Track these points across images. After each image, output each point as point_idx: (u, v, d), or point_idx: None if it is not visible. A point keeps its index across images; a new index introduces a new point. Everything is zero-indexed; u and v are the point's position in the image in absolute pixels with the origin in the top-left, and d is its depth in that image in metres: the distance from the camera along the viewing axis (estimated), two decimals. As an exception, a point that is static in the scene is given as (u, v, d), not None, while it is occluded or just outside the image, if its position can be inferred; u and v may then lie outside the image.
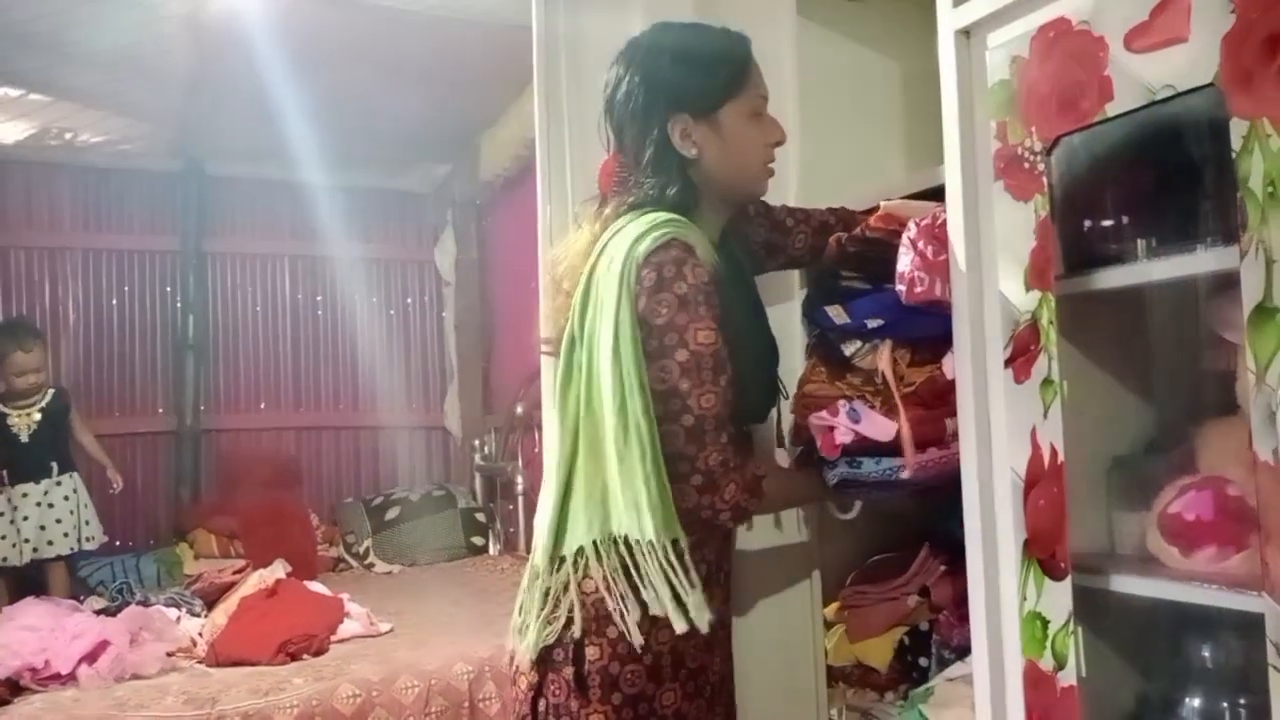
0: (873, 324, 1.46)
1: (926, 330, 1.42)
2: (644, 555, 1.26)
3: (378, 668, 2.79)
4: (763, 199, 1.57)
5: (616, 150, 1.45)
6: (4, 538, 3.65)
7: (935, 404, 1.40)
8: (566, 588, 1.33)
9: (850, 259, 1.56)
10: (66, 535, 3.75)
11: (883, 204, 1.52)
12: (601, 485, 1.32)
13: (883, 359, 1.44)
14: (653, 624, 1.29)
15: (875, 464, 1.43)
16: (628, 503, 1.27)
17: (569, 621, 1.32)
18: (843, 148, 1.87)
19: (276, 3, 3.15)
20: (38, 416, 3.83)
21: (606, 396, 1.30)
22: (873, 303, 1.48)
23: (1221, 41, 1.00)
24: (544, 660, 1.35)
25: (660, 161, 1.38)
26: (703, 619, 1.25)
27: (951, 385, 1.36)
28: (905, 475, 1.41)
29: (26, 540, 3.68)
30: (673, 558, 1.26)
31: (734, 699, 1.51)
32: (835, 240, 1.58)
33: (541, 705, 1.35)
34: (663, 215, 1.35)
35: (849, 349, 1.50)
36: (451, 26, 3.36)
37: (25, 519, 3.69)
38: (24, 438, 3.79)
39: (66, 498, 3.78)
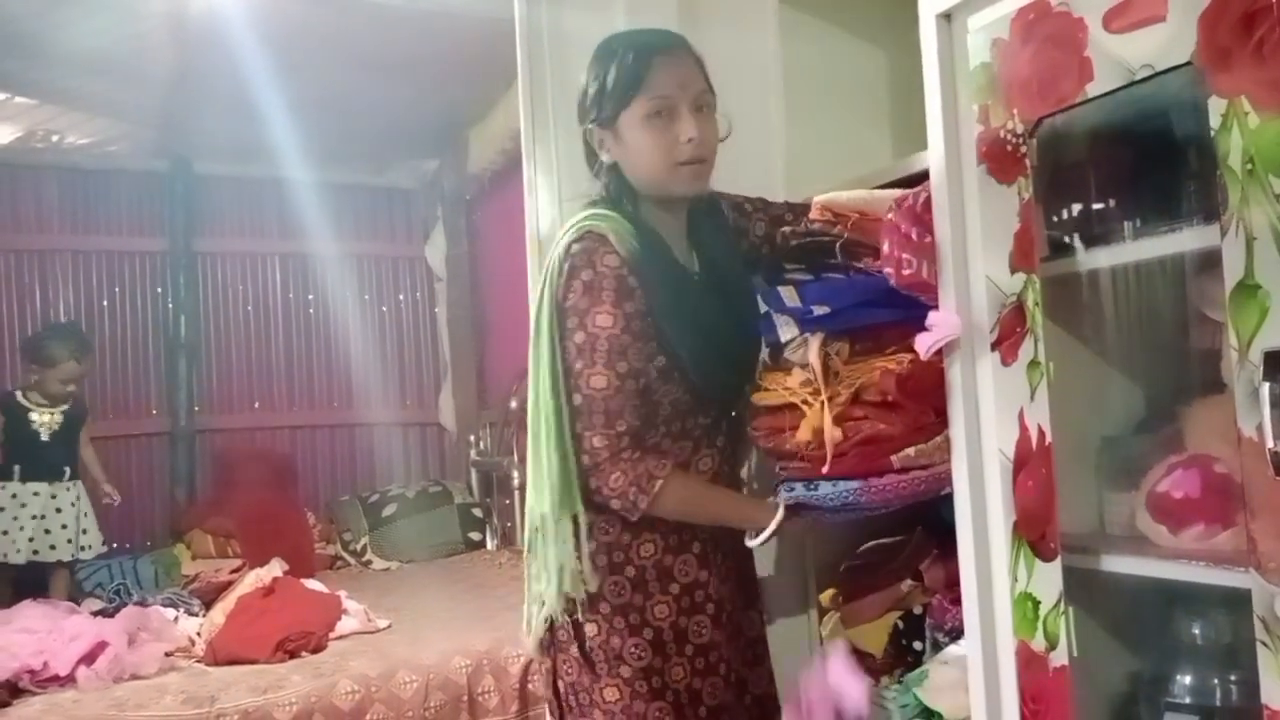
0: (818, 310, 1.43)
1: (874, 319, 1.42)
2: (540, 529, 1.41)
3: (376, 663, 2.79)
4: (762, 196, 1.64)
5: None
6: (5, 533, 3.66)
7: (892, 407, 1.39)
8: (532, 568, 1.47)
9: (793, 252, 1.58)
10: (70, 541, 3.76)
11: (816, 198, 1.55)
12: (533, 466, 1.45)
13: (813, 352, 1.42)
14: (633, 538, 1.41)
15: (832, 487, 1.42)
16: (535, 479, 1.41)
17: (571, 603, 1.42)
18: (828, 135, 1.87)
19: (259, 0, 3.13)
20: (60, 419, 3.85)
21: (530, 382, 1.42)
22: (823, 289, 1.47)
23: (1199, 20, 1.00)
24: (552, 643, 1.45)
25: (591, 164, 1.49)
26: (579, 588, 1.38)
27: (910, 379, 1.36)
28: (864, 499, 1.40)
29: (30, 539, 3.69)
30: (567, 533, 1.38)
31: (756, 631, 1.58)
32: (781, 234, 1.60)
33: (560, 686, 1.44)
34: (590, 211, 1.43)
35: (785, 335, 1.46)
36: (436, 20, 3.35)
37: (32, 518, 3.70)
38: (44, 436, 3.82)
39: (73, 504, 3.80)
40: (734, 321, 1.49)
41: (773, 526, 1.42)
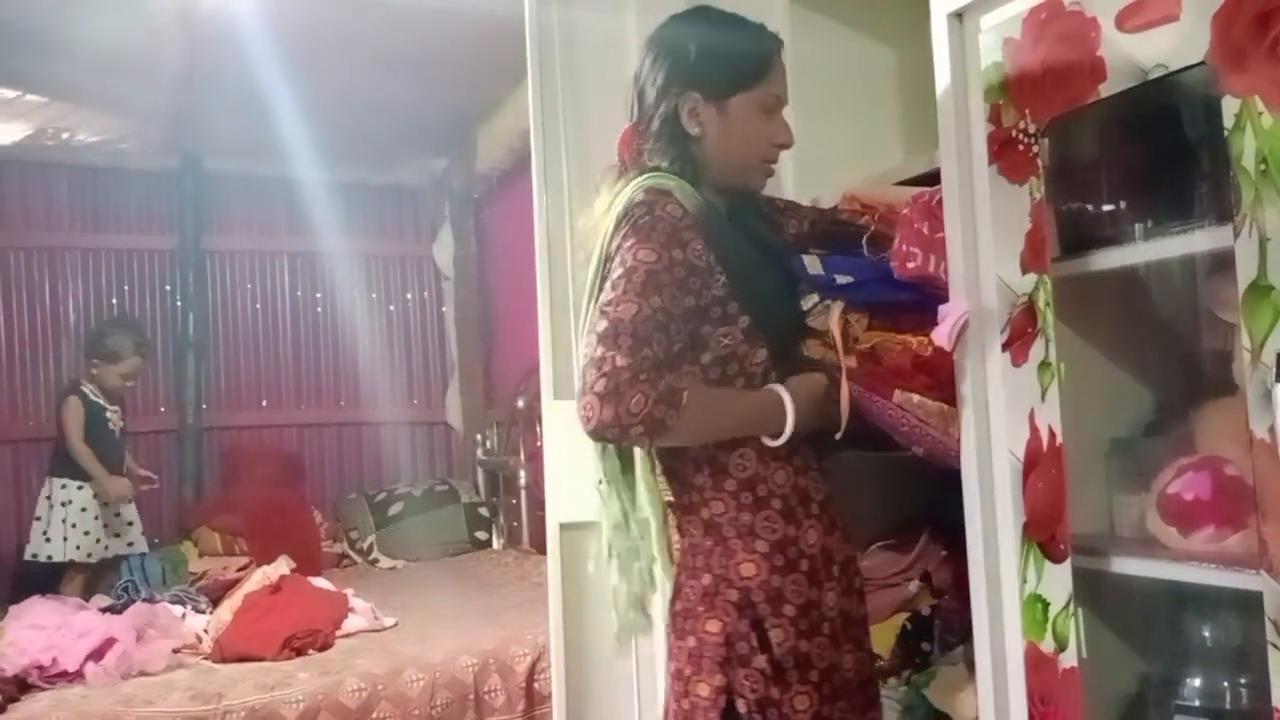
0: (842, 280, 1.43)
1: (895, 298, 1.41)
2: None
3: (382, 661, 2.80)
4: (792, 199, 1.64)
5: (636, 119, 1.48)
6: (87, 533, 3.69)
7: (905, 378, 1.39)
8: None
9: (819, 237, 1.58)
10: (143, 533, 3.84)
11: (846, 189, 1.56)
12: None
13: (833, 318, 1.42)
14: (798, 530, 1.37)
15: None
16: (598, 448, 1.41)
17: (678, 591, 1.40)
18: (839, 133, 1.87)
19: (269, -2, 3.14)
20: (120, 413, 3.91)
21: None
22: (847, 261, 1.47)
23: (1212, 20, 1.00)
24: (725, 660, 1.35)
25: (665, 132, 1.42)
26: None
27: (928, 362, 1.36)
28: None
29: (117, 535, 3.76)
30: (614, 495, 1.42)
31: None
32: (810, 224, 1.60)
33: (742, 708, 1.33)
34: (650, 174, 1.39)
35: (806, 304, 1.45)
36: (446, 19, 3.35)
37: (117, 515, 3.76)
38: (117, 434, 3.87)
39: (129, 500, 3.84)
40: (784, 286, 1.47)
41: (790, 417, 1.36)
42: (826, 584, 1.37)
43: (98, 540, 3.72)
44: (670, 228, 1.32)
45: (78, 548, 3.67)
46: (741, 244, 1.42)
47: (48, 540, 3.66)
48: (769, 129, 1.43)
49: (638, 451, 1.42)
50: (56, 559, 3.65)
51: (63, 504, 3.68)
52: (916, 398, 1.36)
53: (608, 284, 1.31)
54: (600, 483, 1.45)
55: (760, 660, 1.32)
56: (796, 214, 1.62)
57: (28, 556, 3.71)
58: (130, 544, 3.82)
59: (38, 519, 3.70)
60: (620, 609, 1.46)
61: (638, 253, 1.30)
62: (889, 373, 1.39)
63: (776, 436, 1.36)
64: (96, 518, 3.72)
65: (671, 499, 1.42)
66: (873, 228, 1.51)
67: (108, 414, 3.83)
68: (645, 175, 1.39)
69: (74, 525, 3.67)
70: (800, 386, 1.39)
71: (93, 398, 3.81)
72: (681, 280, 1.31)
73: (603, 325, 1.28)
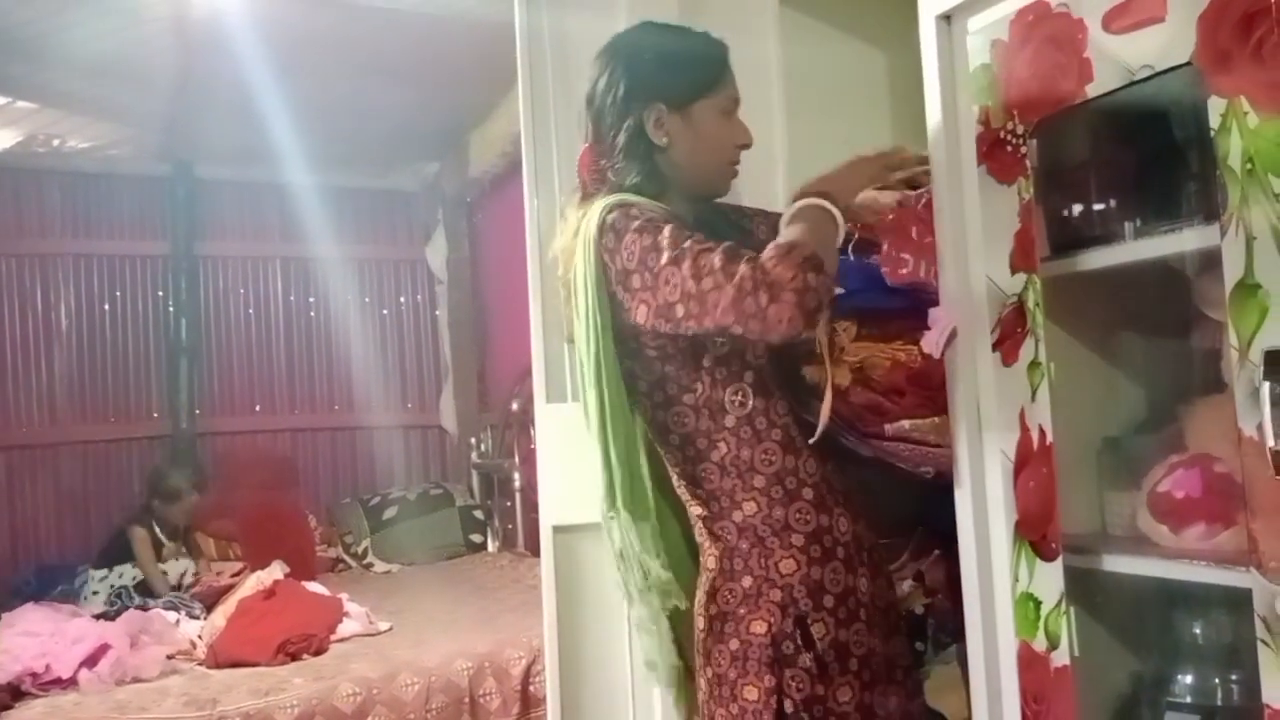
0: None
1: (885, 305, 1.42)
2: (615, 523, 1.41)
3: (377, 666, 2.80)
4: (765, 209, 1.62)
5: (593, 139, 1.48)
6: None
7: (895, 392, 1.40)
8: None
9: None
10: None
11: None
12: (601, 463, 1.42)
13: (820, 328, 1.40)
14: (830, 519, 1.38)
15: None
16: (617, 479, 1.39)
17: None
18: (829, 135, 1.87)
19: (260, 4, 3.14)
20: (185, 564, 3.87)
21: (589, 376, 1.38)
22: (842, 265, 1.45)
23: (1198, 21, 1.01)
24: (774, 661, 1.34)
25: (631, 148, 1.42)
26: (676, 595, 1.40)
27: (919, 373, 1.37)
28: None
29: None
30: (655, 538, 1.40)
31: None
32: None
33: (788, 708, 1.33)
34: (613, 198, 1.39)
35: None
36: (437, 24, 3.35)
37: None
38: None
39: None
40: None
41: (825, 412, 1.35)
42: (860, 570, 1.38)
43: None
44: (649, 215, 1.33)
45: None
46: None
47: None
48: (730, 131, 1.45)
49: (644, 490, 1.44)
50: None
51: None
52: (908, 423, 1.37)
53: (664, 271, 1.26)
54: (620, 556, 1.48)
55: (806, 659, 1.32)
56: (766, 220, 1.60)
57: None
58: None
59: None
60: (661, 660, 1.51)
61: (640, 240, 1.30)
62: (875, 411, 1.39)
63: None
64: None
65: (701, 511, 1.42)
66: (856, 236, 1.50)
67: (166, 550, 3.80)
68: (610, 197, 1.39)
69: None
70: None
71: (156, 532, 3.79)
72: (692, 234, 1.29)
73: (707, 283, 1.22)
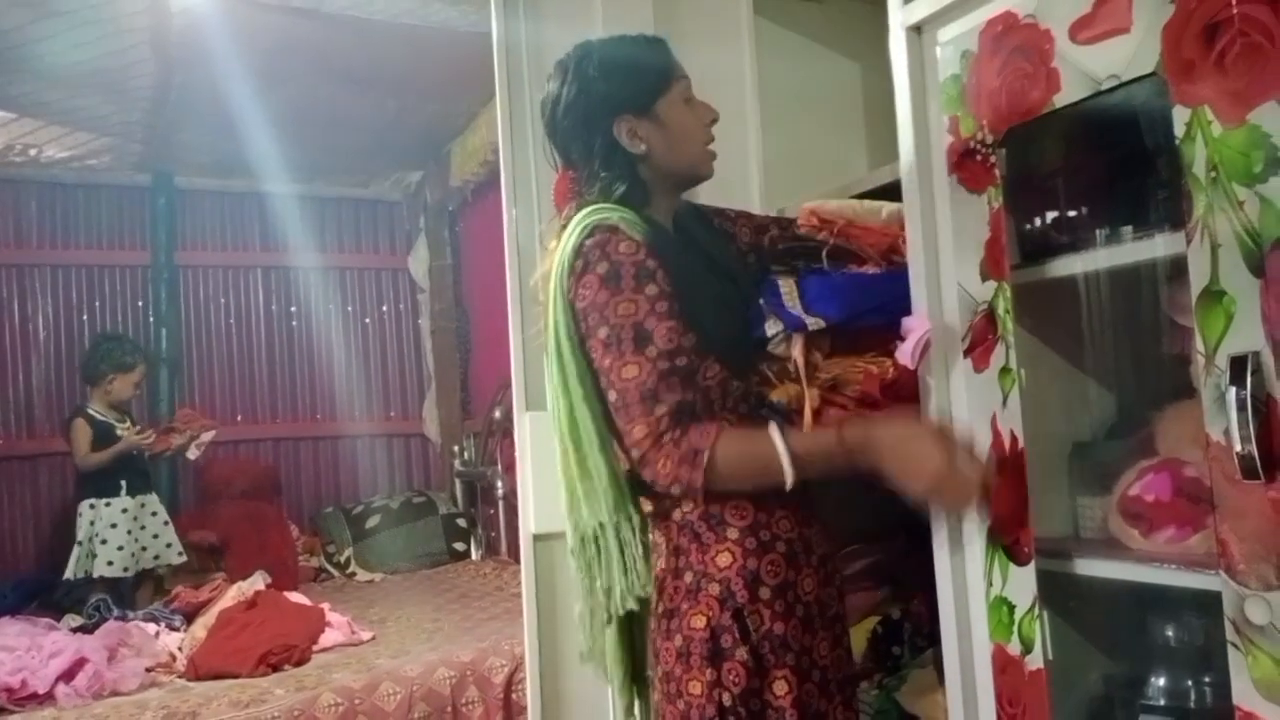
0: (813, 323, 1.42)
1: (870, 323, 1.42)
2: (601, 538, 1.39)
3: (359, 676, 2.79)
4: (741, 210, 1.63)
5: (565, 166, 1.49)
6: (121, 548, 3.73)
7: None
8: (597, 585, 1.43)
9: (780, 255, 1.58)
10: (170, 545, 3.88)
11: (805, 205, 1.56)
12: (571, 482, 1.41)
13: (796, 348, 1.42)
14: (769, 515, 1.37)
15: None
16: (584, 490, 1.38)
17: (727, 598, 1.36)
18: (804, 145, 1.89)
19: (240, 15, 3.14)
20: (136, 427, 3.97)
21: (557, 392, 1.38)
22: (822, 286, 1.46)
23: (1162, 31, 1.02)
24: (711, 656, 1.34)
25: (608, 163, 1.43)
26: (627, 600, 1.37)
27: (894, 383, 1.38)
28: None
29: (145, 548, 3.80)
30: (624, 534, 1.38)
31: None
32: (769, 238, 1.60)
33: (725, 700, 1.33)
34: (591, 208, 1.39)
35: (770, 328, 1.44)
36: (417, 35, 3.36)
37: (143, 528, 3.81)
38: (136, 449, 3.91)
39: (154, 513, 3.90)
40: (742, 303, 1.47)
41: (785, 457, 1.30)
42: (805, 569, 1.38)
43: (131, 554, 3.76)
44: (633, 268, 1.32)
45: (110, 563, 3.70)
46: (690, 263, 1.42)
47: (91, 558, 3.71)
48: (696, 114, 1.46)
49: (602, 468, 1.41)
50: (95, 575, 3.69)
51: (91, 523, 3.73)
52: None
53: (599, 345, 1.32)
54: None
55: (742, 652, 1.32)
56: (749, 222, 1.62)
57: (68, 576, 3.74)
58: (156, 556, 3.86)
59: (79, 544, 3.73)
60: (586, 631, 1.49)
61: (617, 308, 1.30)
62: (855, 406, 1.40)
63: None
64: (129, 532, 3.77)
65: (650, 508, 1.42)
66: (831, 242, 1.51)
67: (119, 430, 3.88)
68: (586, 213, 1.38)
69: (104, 541, 3.72)
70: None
71: (100, 417, 3.87)
72: (665, 312, 1.31)
73: (612, 396, 1.31)
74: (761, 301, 1.46)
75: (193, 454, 4.13)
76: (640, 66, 1.44)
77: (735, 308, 1.45)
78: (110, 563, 3.70)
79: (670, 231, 1.45)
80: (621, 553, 1.39)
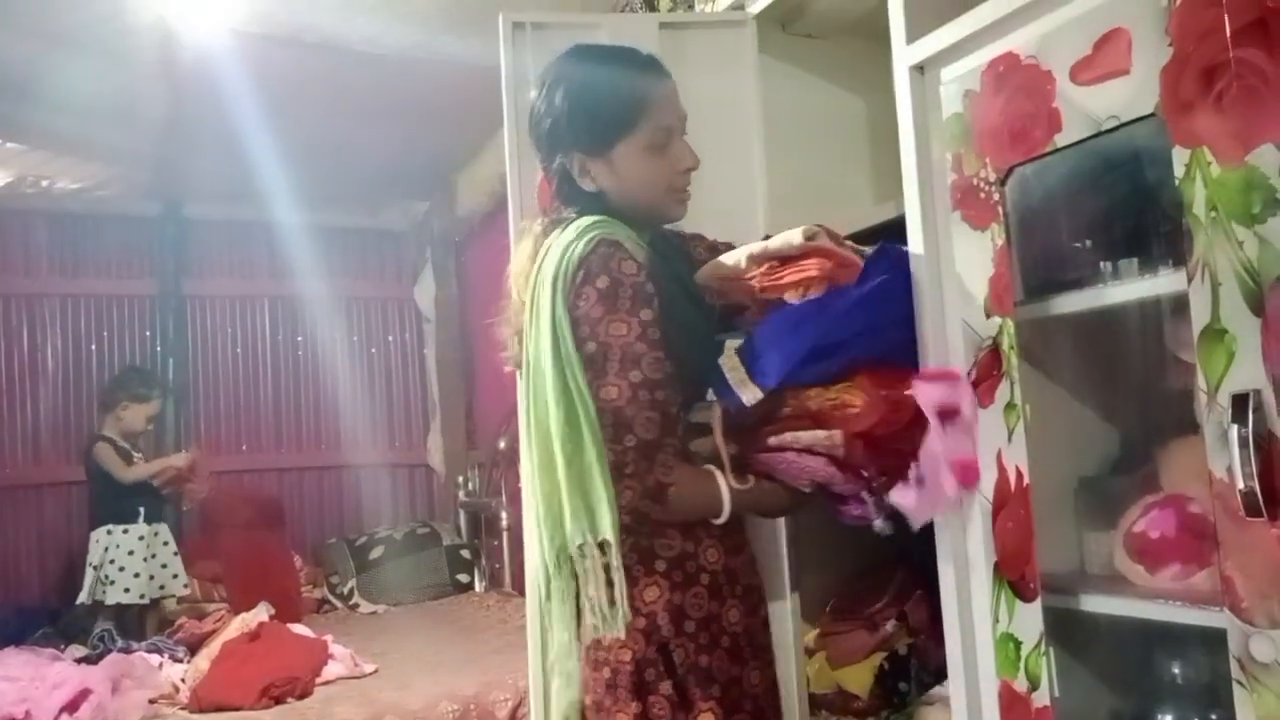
0: (750, 399, 1.34)
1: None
2: (586, 557, 1.31)
3: (362, 709, 2.77)
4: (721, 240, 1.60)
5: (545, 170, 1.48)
6: (137, 575, 3.73)
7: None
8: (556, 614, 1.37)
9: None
10: (176, 576, 3.87)
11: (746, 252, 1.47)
12: (556, 493, 1.32)
13: (715, 417, 1.38)
14: (697, 545, 1.36)
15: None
16: (575, 508, 1.30)
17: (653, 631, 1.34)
18: (809, 179, 1.90)
19: (250, 47, 3.18)
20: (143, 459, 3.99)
21: (550, 401, 1.31)
22: (760, 339, 1.37)
23: (1161, 73, 1.04)
24: (636, 689, 1.34)
25: (564, 191, 1.42)
26: (616, 625, 1.30)
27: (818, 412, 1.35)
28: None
29: (152, 577, 3.78)
30: (599, 563, 1.30)
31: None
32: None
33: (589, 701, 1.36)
34: (589, 219, 1.37)
35: (698, 415, 1.39)
36: (424, 67, 3.39)
37: (154, 556, 3.80)
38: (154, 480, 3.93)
39: (165, 542, 3.89)
40: (709, 336, 1.45)
41: (727, 499, 1.36)
42: (730, 601, 1.37)
43: (148, 581, 3.76)
44: (633, 290, 1.31)
45: (126, 590, 3.70)
46: (671, 291, 1.40)
47: (106, 585, 3.70)
48: (667, 162, 1.40)
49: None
50: (109, 603, 3.69)
51: (106, 550, 3.73)
52: (789, 435, 1.35)
53: (585, 359, 1.30)
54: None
55: (666, 686, 1.32)
56: (702, 243, 1.59)
57: (81, 601, 3.75)
58: (162, 586, 3.86)
59: (94, 568, 3.73)
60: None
61: (610, 326, 1.29)
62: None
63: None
64: (145, 559, 3.77)
65: None
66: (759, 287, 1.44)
67: (135, 457, 3.92)
68: (589, 220, 1.36)
69: (121, 568, 3.71)
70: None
71: (119, 443, 3.89)
72: (655, 340, 1.30)
73: (601, 392, 1.29)
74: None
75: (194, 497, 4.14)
76: (605, 105, 1.38)
77: (704, 339, 1.43)
78: (127, 590, 3.69)
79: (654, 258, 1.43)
80: (608, 576, 1.32)
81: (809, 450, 1.34)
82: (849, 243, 1.47)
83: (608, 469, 1.29)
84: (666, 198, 1.42)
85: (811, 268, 1.36)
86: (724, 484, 1.35)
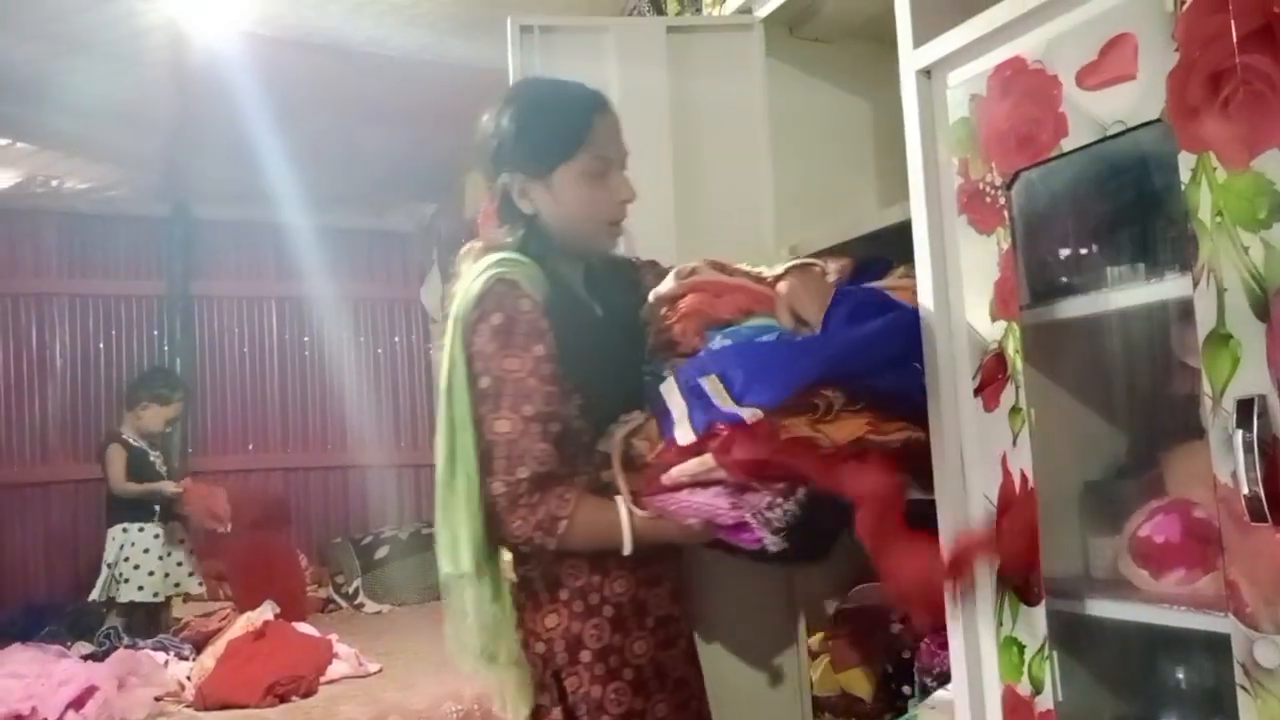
0: (750, 416, 1.26)
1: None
2: (458, 587, 1.35)
3: (366, 709, 2.78)
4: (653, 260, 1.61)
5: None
6: (151, 573, 3.77)
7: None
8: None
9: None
10: (191, 574, 3.91)
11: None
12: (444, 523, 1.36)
13: (614, 444, 1.37)
14: (604, 576, 1.35)
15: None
16: (444, 539, 1.34)
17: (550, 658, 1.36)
18: (816, 183, 1.91)
19: (258, 49, 3.19)
20: (163, 458, 4.05)
21: (440, 434, 1.34)
22: (746, 369, 1.29)
23: (1167, 79, 1.04)
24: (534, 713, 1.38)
25: (504, 213, 1.43)
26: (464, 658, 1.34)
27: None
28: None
29: (167, 575, 3.83)
30: (489, 590, 1.35)
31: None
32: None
33: None
34: (496, 256, 1.38)
35: (682, 436, 1.31)
36: (432, 69, 3.40)
37: (169, 554, 3.84)
38: (165, 476, 3.99)
39: (181, 540, 3.93)
40: (634, 359, 1.45)
41: (628, 533, 1.33)
42: (635, 632, 1.37)
43: (165, 576, 3.80)
44: (526, 326, 1.32)
45: (140, 588, 3.74)
46: (589, 321, 1.42)
47: (120, 582, 3.74)
48: (605, 192, 1.41)
49: None
50: (122, 600, 3.73)
51: (121, 547, 3.77)
52: (675, 469, 1.31)
53: (477, 394, 1.32)
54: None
55: (557, 713, 1.34)
56: (653, 270, 1.59)
57: (93, 598, 3.79)
58: (178, 584, 3.89)
59: (108, 566, 3.76)
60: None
61: (504, 362, 1.31)
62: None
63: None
64: (160, 557, 3.80)
65: (509, 559, 1.42)
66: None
67: (151, 457, 3.95)
68: (492, 258, 1.38)
69: (136, 566, 3.75)
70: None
71: (134, 443, 3.93)
72: (549, 375, 1.32)
73: (481, 446, 1.31)
74: (676, 408, 1.33)
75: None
76: (547, 130, 1.40)
77: (630, 372, 1.43)
78: (141, 588, 3.73)
79: (575, 287, 1.44)
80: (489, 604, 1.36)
81: (698, 483, 1.30)
82: (744, 268, 1.46)
83: (476, 503, 1.30)
84: (600, 228, 1.44)
85: (683, 306, 1.38)
86: (626, 516, 1.33)
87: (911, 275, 1.39)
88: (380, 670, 3.24)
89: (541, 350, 1.32)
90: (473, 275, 1.37)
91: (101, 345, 4.93)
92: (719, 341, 1.36)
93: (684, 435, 1.29)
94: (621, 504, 1.34)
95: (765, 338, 1.35)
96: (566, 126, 1.40)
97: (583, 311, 1.43)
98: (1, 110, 3.66)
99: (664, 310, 1.44)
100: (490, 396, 1.31)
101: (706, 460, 1.28)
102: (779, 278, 1.41)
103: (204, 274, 5.13)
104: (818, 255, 1.82)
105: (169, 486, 3.88)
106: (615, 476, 1.36)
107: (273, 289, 5.25)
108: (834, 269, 1.44)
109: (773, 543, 1.27)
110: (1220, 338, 1.00)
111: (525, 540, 1.30)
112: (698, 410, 1.28)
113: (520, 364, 1.31)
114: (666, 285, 1.46)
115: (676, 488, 1.31)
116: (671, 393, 1.33)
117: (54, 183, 4.49)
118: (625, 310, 1.50)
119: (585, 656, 1.34)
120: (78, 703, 2.75)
